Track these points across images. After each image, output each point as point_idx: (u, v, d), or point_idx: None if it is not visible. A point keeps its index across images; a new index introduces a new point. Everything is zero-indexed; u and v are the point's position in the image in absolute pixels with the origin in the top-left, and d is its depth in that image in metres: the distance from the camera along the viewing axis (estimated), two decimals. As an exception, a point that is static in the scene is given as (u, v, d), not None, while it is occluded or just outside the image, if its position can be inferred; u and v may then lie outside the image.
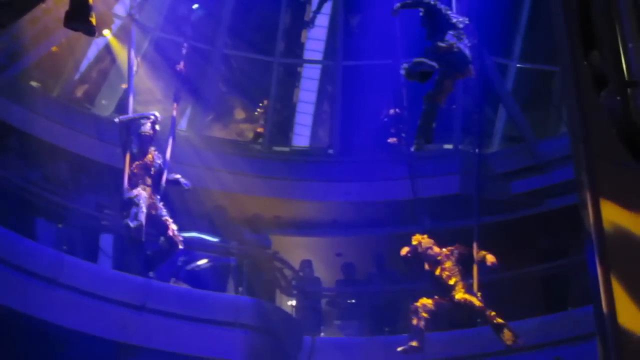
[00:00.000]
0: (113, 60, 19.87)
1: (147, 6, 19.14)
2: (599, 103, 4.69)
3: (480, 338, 17.27)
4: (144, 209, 13.02)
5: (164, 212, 13.49)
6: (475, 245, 14.01)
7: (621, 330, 5.29)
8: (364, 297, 19.89)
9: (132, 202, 12.99)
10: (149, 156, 13.63)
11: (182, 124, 20.37)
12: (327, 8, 21.65)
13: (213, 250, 18.99)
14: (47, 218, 17.25)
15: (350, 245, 20.93)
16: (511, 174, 20.28)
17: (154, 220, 13.30)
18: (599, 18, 4.66)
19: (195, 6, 19.69)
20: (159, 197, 13.52)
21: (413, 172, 14.86)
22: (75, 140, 18.83)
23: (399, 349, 14.00)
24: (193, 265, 18.29)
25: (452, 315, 14.24)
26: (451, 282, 13.78)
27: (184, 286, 17.69)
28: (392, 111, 20.02)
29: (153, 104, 16.03)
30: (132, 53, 14.49)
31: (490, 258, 13.85)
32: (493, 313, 13.63)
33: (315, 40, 22.32)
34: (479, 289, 13.88)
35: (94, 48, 19.79)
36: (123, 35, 19.41)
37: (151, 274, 16.90)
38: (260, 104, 21.98)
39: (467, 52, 11.99)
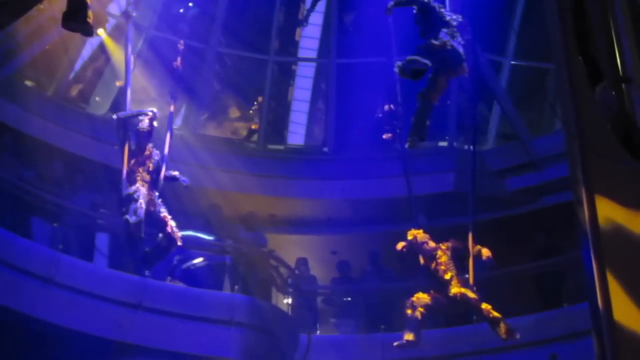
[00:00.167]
0: (107, 59, 19.86)
1: (142, 5, 19.11)
2: (593, 100, 4.70)
3: (476, 335, 17.29)
4: (144, 205, 13.01)
5: (163, 208, 13.49)
6: (470, 237, 14.00)
7: (617, 327, 5.31)
8: (359, 295, 19.89)
9: (132, 198, 12.98)
10: (147, 152, 13.62)
11: (177, 123, 20.35)
12: (321, 6, 21.66)
13: (208, 248, 18.97)
14: (42, 217, 17.23)
15: (346, 243, 20.94)
16: (506, 171, 20.31)
17: (153, 217, 13.29)
18: (593, 14, 4.67)
19: (190, 4, 19.72)
20: (157, 193, 13.50)
21: (408, 170, 14.82)
22: (70, 139, 18.83)
23: (395, 343, 13.99)
24: (189, 263, 18.27)
25: (448, 310, 14.21)
26: (447, 276, 13.76)
27: (179, 285, 17.68)
28: (386, 107, 20.00)
29: (148, 102, 16.00)
30: (129, 49, 14.49)
31: (485, 252, 13.85)
32: (489, 307, 13.63)
33: (309, 39, 22.32)
34: (475, 284, 13.87)
35: (89, 47, 19.79)
36: (117, 34, 19.42)
37: (147, 272, 16.90)
38: (255, 102, 21.97)
39: (460, 50, 12.01)
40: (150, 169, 13.49)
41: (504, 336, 13.68)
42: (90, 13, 8.87)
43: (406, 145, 12.82)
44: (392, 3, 12.25)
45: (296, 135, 22.27)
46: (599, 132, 5.02)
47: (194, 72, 20.18)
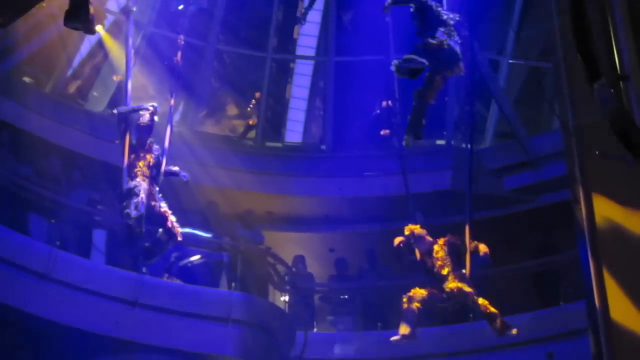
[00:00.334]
0: (106, 55, 19.86)
1: (140, 2, 19.12)
2: (591, 98, 4.71)
3: (473, 333, 17.32)
4: (145, 200, 13.00)
5: (163, 203, 13.47)
6: (467, 230, 14.01)
7: (613, 325, 5.32)
8: (356, 292, 19.90)
9: (133, 193, 12.95)
10: (148, 147, 13.61)
11: (175, 119, 20.35)
12: (319, 4, 21.66)
13: (206, 246, 18.98)
14: (39, 213, 17.23)
15: (343, 241, 20.95)
16: (503, 170, 20.32)
17: (153, 212, 13.28)
18: (592, 13, 4.68)
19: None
20: (157, 188, 13.50)
21: (405, 168, 14.83)
22: (68, 136, 18.82)
23: (392, 338, 13.99)
24: (186, 260, 18.28)
25: (444, 306, 14.20)
26: (444, 272, 13.76)
27: (176, 282, 17.69)
28: (384, 103, 20.04)
29: (146, 99, 15.98)
30: (130, 43, 14.48)
31: (482, 247, 13.85)
32: (486, 302, 13.64)
33: (307, 36, 22.32)
34: (472, 280, 13.88)
35: (87, 44, 19.77)
36: (116, 30, 19.42)
37: (144, 269, 16.90)
38: (253, 99, 21.96)
39: (457, 49, 12.01)
40: (151, 164, 13.47)
41: (500, 331, 13.70)
42: (92, 10, 8.89)
43: (402, 144, 12.83)
44: (389, 1, 12.24)
45: (294, 133, 22.28)
46: (596, 130, 5.03)
47: (192, 69, 20.18)
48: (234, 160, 20.38)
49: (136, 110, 13.73)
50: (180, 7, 21.02)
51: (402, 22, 13.07)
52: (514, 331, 13.69)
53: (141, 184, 13.09)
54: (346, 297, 20.11)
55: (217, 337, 17.11)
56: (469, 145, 15.60)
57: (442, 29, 11.85)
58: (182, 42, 14.80)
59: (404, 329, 13.76)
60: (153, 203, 13.24)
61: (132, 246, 15.74)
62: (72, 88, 20.37)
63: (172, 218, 13.49)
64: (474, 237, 13.99)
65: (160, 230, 13.60)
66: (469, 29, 15.63)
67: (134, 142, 13.48)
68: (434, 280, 13.95)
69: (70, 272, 16.17)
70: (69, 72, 20.16)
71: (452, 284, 13.64)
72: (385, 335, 15.17)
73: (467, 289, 13.66)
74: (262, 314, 17.82)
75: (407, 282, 14.52)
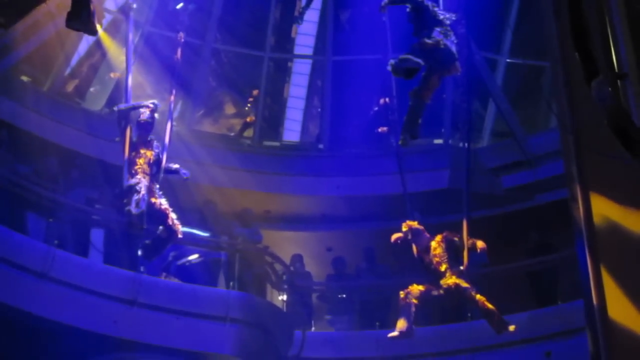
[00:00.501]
0: (104, 55, 19.86)
1: (138, 1, 19.11)
2: (588, 97, 4.71)
3: (470, 332, 17.33)
4: (146, 197, 13.00)
5: (164, 200, 13.48)
6: (465, 227, 14.04)
7: (611, 324, 5.32)
8: (354, 291, 19.90)
9: (133, 190, 12.95)
10: (149, 144, 13.61)
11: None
12: (317, 3, 21.64)
13: (204, 245, 18.99)
14: (37, 212, 17.21)
15: (341, 240, 20.96)
16: (501, 169, 20.34)
17: (154, 209, 13.28)
18: (589, 11, 4.68)
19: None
20: (158, 185, 13.50)
21: (403, 167, 14.85)
22: (66, 135, 18.81)
23: (390, 334, 14.01)
24: (184, 260, 18.28)
25: (442, 302, 14.23)
26: (441, 268, 13.81)
27: (174, 281, 17.69)
28: (382, 100, 20.06)
29: (144, 98, 15.97)
30: (130, 40, 14.49)
31: (480, 244, 13.89)
32: (483, 298, 13.67)
33: (305, 35, 22.33)
34: (469, 278, 13.92)
35: (85, 43, 19.76)
36: (114, 30, 19.42)
37: (142, 268, 16.90)
38: (250, 97, 21.96)
39: (453, 48, 12.03)
40: (151, 161, 13.48)
41: (497, 328, 13.73)
42: (94, 13, 8.92)
43: (399, 143, 12.86)
44: (385, 1, 12.27)
45: (292, 132, 22.29)
46: (594, 129, 5.04)
47: (190, 68, 20.17)
48: (231, 159, 20.39)
49: (136, 108, 13.75)
50: (180, 5, 21.01)
51: (399, 21, 13.06)
52: (512, 328, 13.71)
53: (142, 181, 13.09)
54: (344, 296, 20.10)
55: (215, 336, 17.11)
56: (466, 144, 15.62)
57: (438, 29, 11.87)
58: (182, 39, 14.83)
59: (401, 324, 13.79)
60: (153, 200, 13.25)
61: (132, 244, 15.76)
62: (70, 87, 20.36)
63: (172, 215, 13.50)
64: (471, 236, 14.01)
65: (161, 227, 13.61)
66: (466, 27, 15.66)
67: (134, 139, 13.49)
68: (431, 276, 13.99)
69: (68, 271, 16.16)
70: (67, 71, 20.14)
71: (449, 280, 13.68)
72: (383, 335, 15.15)
73: (465, 284, 13.70)
74: (260, 313, 17.82)
75: (405, 281, 14.52)
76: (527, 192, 20.13)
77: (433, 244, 14.02)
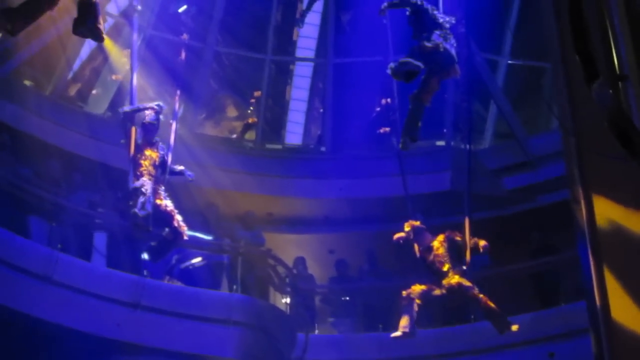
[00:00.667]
0: (105, 58, 19.87)
1: (140, 4, 19.15)
2: (589, 98, 4.72)
3: (473, 334, 17.32)
4: (152, 199, 13.01)
5: (169, 202, 13.49)
6: (467, 225, 14.07)
7: (614, 325, 5.32)
8: (357, 294, 19.90)
9: (139, 192, 12.96)
10: (154, 146, 13.62)
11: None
12: (318, 6, 21.66)
13: (206, 248, 18.98)
14: (40, 216, 17.22)
15: (343, 242, 20.94)
16: (503, 170, 20.33)
17: (159, 211, 13.28)
18: (590, 13, 4.69)
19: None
20: (163, 187, 13.51)
21: (404, 169, 14.89)
22: (68, 138, 18.83)
23: (392, 334, 14.05)
24: (187, 263, 18.28)
25: (445, 302, 14.27)
26: (444, 268, 13.85)
27: (177, 284, 17.69)
28: (383, 101, 20.10)
29: (146, 101, 16.00)
30: (135, 41, 14.52)
31: (482, 242, 13.94)
32: (485, 297, 13.71)
33: (307, 38, 22.35)
34: (472, 279, 13.95)
35: (87, 46, 19.79)
36: (115, 33, 19.44)
37: (145, 272, 16.92)
38: (252, 99, 21.97)
39: (453, 52, 12.05)
40: (157, 163, 13.50)
41: (500, 328, 13.77)
42: (101, 19, 8.94)
43: (399, 147, 12.88)
44: (385, 4, 12.31)
45: (294, 135, 22.31)
46: (595, 130, 5.04)
47: (191, 71, 20.19)
48: (234, 162, 20.40)
49: (141, 110, 13.77)
50: (184, 7, 21.05)
51: (400, 23, 13.09)
52: (514, 328, 13.75)
53: (147, 183, 13.10)
54: (347, 298, 20.10)
55: (218, 339, 17.10)
56: (467, 145, 15.65)
57: (437, 32, 11.89)
58: (186, 38, 14.87)
59: (404, 322, 13.83)
60: (159, 202, 13.26)
61: (135, 247, 15.77)
62: (72, 91, 20.39)
63: (178, 217, 13.52)
64: (473, 237, 14.05)
65: (167, 229, 13.62)
66: (466, 26, 15.69)
67: (139, 141, 13.51)
68: (433, 277, 14.02)
69: (71, 275, 16.17)
70: (69, 75, 20.18)
71: (452, 280, 13.72)
72: (386, 337, 15.18)
73: (467, 283, 13.74)
74: (263, 316, 17.81)
75: (407, 283, 14.55)
76: (529, 194, 20.13)
77: (435, 243, 14.08)
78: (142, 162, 13.39)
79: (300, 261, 20.07)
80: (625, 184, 5.27)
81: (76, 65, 20.13)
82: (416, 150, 17.89)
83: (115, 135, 15.27)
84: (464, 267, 13.91)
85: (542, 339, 17.15)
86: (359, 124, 20.95)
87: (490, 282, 16.99)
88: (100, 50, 19.70)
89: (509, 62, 21.14)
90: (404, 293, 13.97)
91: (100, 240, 17.85)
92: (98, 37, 9.18)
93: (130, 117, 13.69)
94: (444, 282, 13.84)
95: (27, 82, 19.24)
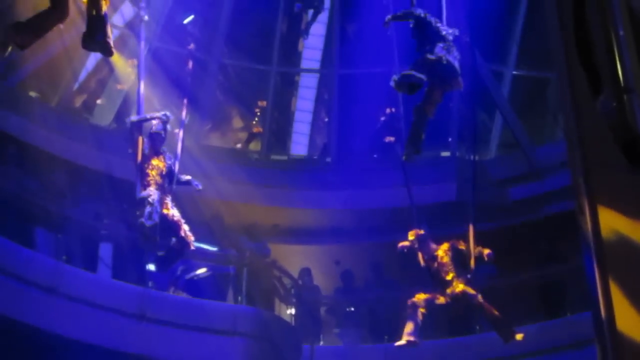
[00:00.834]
0: (111, 69, 19.90)
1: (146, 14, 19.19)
2: (595, 109, 4.71)
3: (479, 345, 17.30)
4: (159, 209, 13.02)
5: (176, 212, 13.49)
6: (471, 233, 14.08)
7: (620, 336, 5.30)
8: (363, 304, 19.89)
9: (146, 202, 12.97)
10: (161, 156, 13.64)
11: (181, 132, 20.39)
12: (323, 17, 21.70)
13: (212, 259, 19.00)
14: (46, 227, 17.25)
15: (349, 253, 20.94)
16: (509, 181, 20.32)
17: (166, 220, 13.29)
18: (594, 24, 4.69)
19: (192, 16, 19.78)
20: (170, 197, 13.52)
21: (409, 179, 14.93)
22: (74, 150, 18.85)
23: (397, 343, 14.07)
24: (192, 274, 18.29)
25: (449, 310, 14.29)
26: (448, 277, 13.89)
27: (183, 295, 17.70)
28: (388, 110, 20.10)
29: (151, 113, 16.04)
30: (142, 51, 14.55)
31: (486, 251, 13.98)
32: (489, 306, 13.72)
33: (312, 49, 22.37)
34: (478, 290, 13.97)
35: (92, 58, 19.82)
36: (121, 45, 19.46)
37: (150, 283, 16.92)
38: (257, 109, 21.99)
39: (456, 64, 12.04)
40: (164, 173, 13.51)
41: (505, 337, 13.78)
42: (109, 33, 8.97)
43: (403, 158, 12.89)
44: (389, 17, 12.32)
45: (299, 146, 22.32)
46: (600, 141, 5.03)
47: (197, 83, 20.22)
48: (239, 173, 20.41)
49: (148, 120, 13.79)
50: (190, 17, 21.12)
51: (406, 34, 13.10)
52: (519, 337, 13.76)
53: (154, 193, 13.12)
54: (352, 309, 20.10)
55: (223, 350, 17.10)
56: (472, 156, 15.69)
57: (441, 45, 11.89)
58: (193, 48, 14.90)
59: (409, 328, 13.86)
60: (166, 211, 13.27)
61: (140, 258, 15.77)
62: (78, 102, 20.43)
63: (185, 227, 13.52)
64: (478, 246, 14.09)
65: (174, 239, 13.62)
66: (470, 36, 15.70)
67: (146, 151, 13.53)
68: (438, 286, 14.05)
69: (76, 286, 16.19)
70: (75, 86, 20.21)
71: (457, 288, 13.75)
72: (391, 348, 15.18)
73: (472, 291, 13.77)
74: (269, 327, 17.81)
75: (413, 294, 14.55)
76: (535, 204, 20.10)
77: (440, 252, 14.13)
78: (149, 171, 13.41)
79: (305, 272, 20.08)
80: (631, 195, 5.25)
81: (82, 76, 20.15)
82: (422, 160, 17.87)
83: (121, 146, 15.29)
84: (469, 276, 13.93)
85: (548, 350, 17.13)
86: (365, 134, 20.96)
87: (496, 292, 16.96)
88: (106, 61, 19.71)
89: (515, 73, 21.14)
90: (409, 301, 14.01)
91: (105, 251, 17.87)
92: (107, 51, 9.24)
93: (137, 127, 13.72)
94: (449, 290, 13.88)
95: (33, 94, 19.28)
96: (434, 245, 14.33)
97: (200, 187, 14.19)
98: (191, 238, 13.63)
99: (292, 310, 19.29)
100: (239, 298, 18.10)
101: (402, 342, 14.00)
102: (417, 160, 13.58)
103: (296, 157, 22.14)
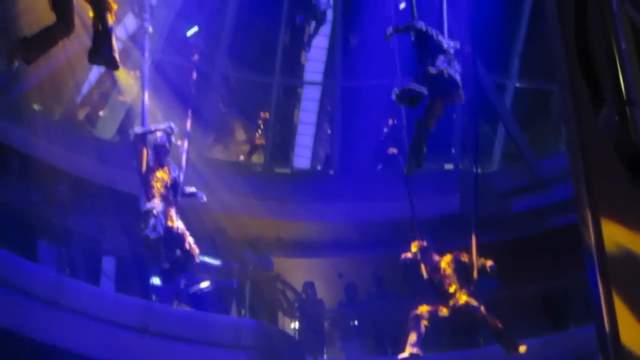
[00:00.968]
0: (114, 82, 19.91)
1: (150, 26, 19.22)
2: (597, 121, 4.70)
3: (482, 358, 17.25)
4: (163, 221, 13.00)
5: (181, 224, 13.48)
6: (474, 243, 14.08)
7: (623, 350, 5.26)
8: (366, 318, 19.85)
9: (151, 214, 12.96)
10: (165, 168, 13.63)
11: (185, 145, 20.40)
12: (326, 29, 21.70)
13: (215, 272, 18.97)
14: (48, 240, 17.25)
15: (352, 266, 20.90)
16: (512, 193, 20.29)
17: (171, 233, 13.27)
18: (596, 37, 4.67)
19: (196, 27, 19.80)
20: (175, 209, 13.50)
21: (413, 192, 14.94)
22: (77, 163, 18.83)
23: (400, 355, 14.04)
24: (195, 287, 18.27)
25: (452, 322, 14.29)
26: (451, 289, 13.88)
27: (186, 309, 17.67)
28: (390, 121, 20.12)
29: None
30: (147, 64, 14.56)
31: (489, 262, 13.99)
32: (492, 317, 13.72)
33: (315, 62, 22.38)
34: (481, 301, 13.97)
35: (95, 71, 19.83)
36: (124, 57, 19.46)
37: (154, 296, 16.91)
38: (259, 120, 21.99)
39: (457, 77, 12.04)
40: (168, 185, 13.50)
41: (508, 348, 13.77)
42: (115, 47, 8.98)
43: (404, 172, 12.88)
44: (390, 30, 12.32)
45: (302, 158, 22.30)
46: (603, 153, 5.00)
47: (200, 95, 20.23)
48: (242, 186, 20.38)
49: (152, 132, 13.78)
50: (194, 29, 21.15)
51: (408, 46, 13.10)
52: (522, 349, 13.74)
53: (159, 205, 13.10)
54: (356, 322, 20.06)
55: (227, 363, 17.08)
56: (474, 168, 15.69)
57: (442, 58, 11.88)
58: (197, 59, 14.93)
59: (412, 340, 13.84)
60: (170, 224, 13.25)
61: (143, 271, 15.75)
62: (81, 115, 20.43)
63: (189, 239, 13.50)
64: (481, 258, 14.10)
65: (178, 251, 13.60)
66: (473, 47, 15.70)
67: (150, 163, 13.52)
68: (441, 298, 14.04)
69: (79, 299, 16.17)
70: (78, 99, 20.22)
71: (460, 299, 13.74)
72: (395, 361, 15.15)
73: (475, 302, 13.77)
74: (272, 340, 17.77)
75: (416, 307, 14.53)
76: (537, 216, 20.07)
77: (442, 264, 14.14)
78: (153, 183, 13.40)
79: (309, 285, 20.04)
80: (635, 207, 5.22)
81: (85, 89, 20.17)
82: (425, 173, 17.86)
83: (124, 159, 15.29)
84: (471, 288, 13.93)
85: (553, 363, 17.09)
86: (367, 146, 20.95)
87: (500, 305, 16.91)
88: (109, 74, 19.72)
89: (517, 85, 21.13)
90: (412, 313, 14.00)
91: (108, 264, 17.86)
92: (114, 65, 9.24)
93: (141, 139, 13.71)
94: (451, 302, 13.88)
95: (36, 107, 19.28)
96: (436, 257, 14.33)
97: (204, 199, 14.18)
98: (196, 250, 13.61)
99: (296, 324, 19.26)
100: (243, 311, 18.08)
101: (405, 354, 13.98)
102: (420, 173, 13.57)
103: (299, 170, 22.11)
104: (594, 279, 5.52)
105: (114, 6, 8.93)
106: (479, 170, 15.83)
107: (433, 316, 13.98)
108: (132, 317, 16.50)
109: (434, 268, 14.20)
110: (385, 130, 20.83)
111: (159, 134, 13.76)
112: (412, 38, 12.20)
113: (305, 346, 18.68)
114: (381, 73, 19.03)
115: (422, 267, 14.31)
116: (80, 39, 12.82)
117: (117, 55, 9.10)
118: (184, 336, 16.80)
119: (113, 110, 20.45)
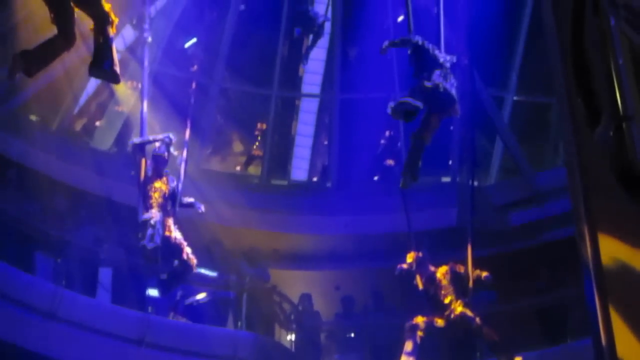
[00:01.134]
0: (112, 93, 19.92)
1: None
2: (594, 137, 4.70)
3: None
4: (161, 231, 13.01)
5: (178, 234, 13.47)
6: (469, 254, 14.11)
7: (620, 364, 5.27)
8: (363, 330, 19.83)
9: (148, 224, 12.96)
10: (164, 178, 13.64)
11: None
12: (324, 41, 21.72)
13: (211, 284, 18.95)
14: (45, 251, 17.23)
15: (349, 279, 20.88)
16: (509, 206, 20.28)
17: (169, 243, 13.27)
18: (593, 52, 4.68)
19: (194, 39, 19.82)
20: (172, 219, 13.50)
21: (410, 205, 14.96)
22: (74, 174, 18.83)
23: None
24: (192, 299, 18.25)
25: (448, 333, 14.30)
26: (446, 300, 13.91)
27: (182, 320, 17.64)
28: (387, 133, 20.14)
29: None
30: (146, 74, 14.58)
31: (484, 273, 14.02)
32: (487, 329, 13.74)
33: (312, 74, 22.39)
34: (477, 314, 13.99)
35: (93, 82, 19.83)
36: (121, 68, 19.46)
37: (150, 308, 16.89)
38: (257, 132, 22.00)
39: (453, 91, 12.07)
40: (166, 195, 13.50)
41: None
42: (116, 60, 8.98)
43: (400, 185, 12.90)
44: (386, 43, 12.36)
45: (299, 171, 22.30)
46: (601, 167, 5.01)
47: (197, 107, 20.23)
48: (239, 198, 20.37)
49: (151, 142, 13.80)
50: (192, 40, 21.17)
51: (406, 59, 13.13)
52: (518, 360, 13.79)
53: (157, 215, 13.11)
54: (353, 335, 20.03)
55: (223, 375, 17.04)
56: (471, 181, 15.73)
57: (438, 72, 11.91)
58: (196, 69, 14.96)
59: (408, 348, 13.85)
60: (168, 234, 13.25)
61: (140, 283, 15.73)
62: (78, 126, 20.43)
63: (187, 249, 13.50)
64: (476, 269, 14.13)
65: (176, 261, 13.60)
66: (470, 59, 15.74)
67: (149, 173, 13.53)
68: (437, 308, 14.06)
69: (75, 311, 16.15)
70: (75, 110, 20.21)
71: (455, 310, 13.76)
72: (392, 373, 15.13)
73: (470, 314, 13.79)
74: (268, 352, 17.75)
75: (412, 319, 14.54)
76: (535, 230, 20.06)
77: (438, 275, 14.17)
78: (151, 194, 13.42)
79: (306, 298, 20.02)
80: (632, 222, 5.23)
81: (82, 100, 20.17)
82: (422, 186, 17.88)
83: (121, 170, 15.29)
84: (466, 300, 13.95)
85: (549, 377, 17.08)
86: (365, 159, 20.96)
87: (496, 318, 16.91)
88: (107, 85, 19.74)
89: (515, 98, 21.15)
90: (407, 324, 14.02)
91: (105, 275, 17.84)
92: (115, 79, 9.25)
93: (140, 149, 13.72)
94: (447, 313, 13.90)
95: (33, 118, 19.28)
96: (432, 268, 14.35)
97: (202, 209, 14.20)
98: (194, 261, 13.64)
99: (292, 336, 19.23)
100: (239, 323, 18.05)
101: None
102: (417, 186, 13.59)
103: (296, 182, 22.11)
104: (591, 292, 5.52)
105: (115, 19, 8.93)
106: (477, 183, 15.90)
107: (429, 327, 14.01)
108: (129, 329, 16.48)
109: (430, 279, 14.23)
110: (383, 141, 20.85)
111: (157, 144, 13.79)
112: (409, 52, 12.23)
113: (301, 358, 18.65)
114: (379, 86, 19.07)
115: (418, 278, 14.34)
116: (78, 50, 12.81)
117: (118, 69, 9.11)
118: (180, 348, 16.77)
119: (110, 121, 20.45)
